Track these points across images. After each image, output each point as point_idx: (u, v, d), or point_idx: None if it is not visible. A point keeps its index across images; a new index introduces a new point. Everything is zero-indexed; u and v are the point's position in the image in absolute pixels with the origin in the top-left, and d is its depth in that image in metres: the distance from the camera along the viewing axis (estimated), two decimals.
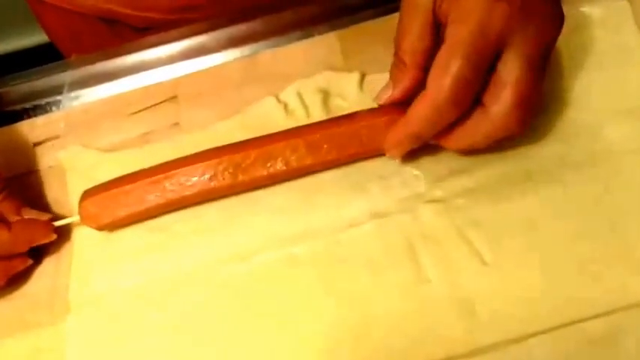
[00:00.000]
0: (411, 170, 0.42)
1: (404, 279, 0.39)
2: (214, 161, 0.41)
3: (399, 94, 0.39)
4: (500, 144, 0.40)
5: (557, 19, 0.37)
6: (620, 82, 0.43)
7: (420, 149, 0.41)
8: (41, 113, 0.49)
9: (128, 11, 0.57)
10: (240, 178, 0.41)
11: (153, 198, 0.41)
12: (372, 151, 0.41)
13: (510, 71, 0.35)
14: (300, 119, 0.44)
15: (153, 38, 0.51)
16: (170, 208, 0.42)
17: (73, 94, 0.50)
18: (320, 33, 0.48)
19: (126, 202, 0.41)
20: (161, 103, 0.48)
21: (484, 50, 0.35)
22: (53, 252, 0.43)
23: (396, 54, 0.39)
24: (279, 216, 0.42)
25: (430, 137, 0.39)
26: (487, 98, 0.36)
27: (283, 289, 0.39)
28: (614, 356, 0.36)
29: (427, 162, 0.42)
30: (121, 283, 0.41)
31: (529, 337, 0.36)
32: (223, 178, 0.41)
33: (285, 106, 0.45)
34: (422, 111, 0.37)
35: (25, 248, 0.41)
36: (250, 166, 0.41)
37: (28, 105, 0.50)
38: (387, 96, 0.40)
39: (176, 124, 0.47)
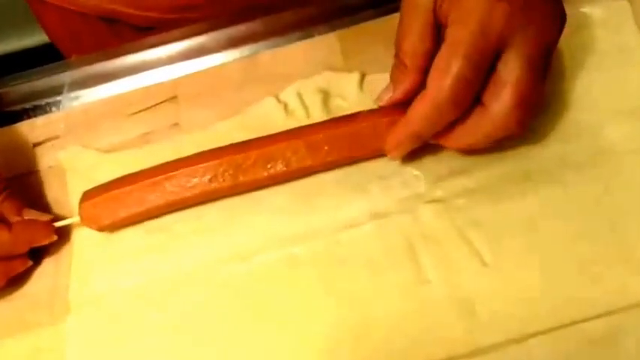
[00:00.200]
0: (412, 170, 0.42)
1: (404, 279, 0.39)
2: (215, 162, 0.41)
3: (399, 96, 0.39)
4: (500, 144, 0.40)
5: (558, 19, 0.37)
6: (621, 83, 0.43)
7: (420, 149, 0.41)
8: (41, 114, 0.49)
9: (130, 11, 0.57)
10: (241, 179, 0.41)
11: (153, 199, 0.41)
12: (372, 152, 0.41)
13: (511, 71, 0.35)
14: (301, 120, 0.44)
15: (153, 39, 0.51)
16: (170, 208, 0.42)
17: (72, 94, 0.50)
18: (320, 33, 0.48)
19: (126, 203, 0.41)
20: (161, 103, 0.48)
21: (485, 50, 0.35)
22: (53, 252, 0.43)
23: (397, 55, 0.39)
24: (280, 216, 0.42)
25: (430, 137, 0.39)
26: (487, 98, 0.36)
27: (283, 290, 0.39)
28: (614, 356, 0.36)
29: (427, 162, 0.42)
30: (121, 283, 0.41)
31: (529, 338, 0.36)
32: (224, 179, 0.41)
33: (285, 106, 0.45)
34: (422, 110, 0.37)
35: (25, 249, 0.41)
36: (251, 167, 0.41)
37: (28, 105, 0.50)
38: (388, 97, 0.40)
39: (176, 124, 0.47)
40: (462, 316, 0.37)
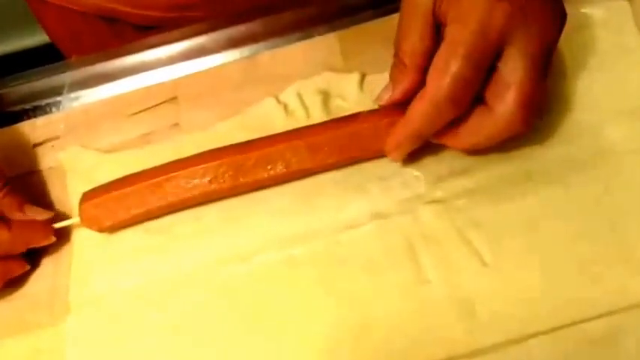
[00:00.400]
0: (412, 171, 0.42)
1: (404, 279, 0.39)
2: (215, 163, 0.41)
3: (399, 95, 0.39)
4: (503, 144, 0.40)
5: (558, 19, 0.37)
6: (621, 83, 0.43)
7: (420, 150, 0.41)
8: (41, 114, 0.49)
9: (129, 9, 0.57)
10: (241, 180, 0.41)
11: (153, 200, 0.41)
12: (373, 153, 0.41)
13: (513, 71, 0.35)
14: (300, 120, 0.44)
15: (153, 39, 0.51)
16: (170, 209, 0.42)
17: (73, 94, 0.50)
18: (320, 34, 0.48)
19: (126, 204, 0.41)
20: (161, 103, 0.48)
21: (485, 50, 0.35)
22: (53, 253, 0.43)
23: (396, 55, 0.39)
24: (280, 217, 0.42)
25: (430, 136, 0.39)
26: (491, 99, 0.36)
27: (283, 290, 0.39)
28: (615, 357, 0.36)
29: (427, 163, 0.42)
30: (121, 283, 0.41)
31: (529, 338, 0.36)
32: (224, 181, 0.41)
33: (285, 106, 0.45)
34: (421, 109, 0.37)
35: (23, 249, 0.41)
36: (251, 169, 0.41)
37: (28, 106, 0.50)
38: (388, 97, 0.39)
39: (176, 124, 0.47)
40: (462, 316, 0.37)
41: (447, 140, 0.39)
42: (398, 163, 0.42)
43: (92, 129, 0.47)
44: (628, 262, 0.38)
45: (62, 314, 0.41)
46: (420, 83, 0.38)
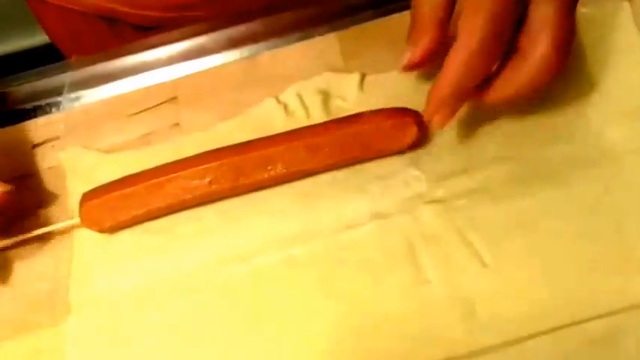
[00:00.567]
0: (412, 171, 0.42)
1: (404, 280, 0.39)
2: (215, 164, 0.41)
3: (420, 54, 0.38)
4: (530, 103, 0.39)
5: None
6: (621, 83, 0.43)
7: (420, 149, 0.41)
8: (41, 114, 0.49)
9: (127, 9, 0.57)
10: (241, 180, 0.41)
11: (154, 201, 0.41)
12: (373, 154, 0.41)
13: (545, 14, 0.35)
14: (301, 120, 0.44)
15: (153, 39, 0.51)
16: (170, 210, 0.42)
17: (73, 95, 0.50)
18: (320, 34, 0.48)
19: (126, 204, 0.41)
20: (161, 104, 0.48)
21: None
22: (53, 253, 0.43)
23: (413, 17, 0.38)
24: (280, 217, 0.42)
25: (470, 90, 0.38)
26: (524, 44, 0.36)
27: (283, 291, 0.39)
28: (615, 357, 0.36)
29: (427, 162, 0.42)
30: (121, 284, 0.41)
31: (529, 338, 0.36)
32: (224, 181, 0.41)
33: (286, 107, 0.45)
34: (458, 59, 0.36)
35: None
36: (251, 169, 0.41)
37: (28, 106, 0.50)
38: (407, 59, 0.38)
39: (176, 124, 0.47)
40: (462, 316, 0.37)
41: (486, 95, 0.38)
42: (398, 163, 0.42)
43: (92, 129, 0.47)
44: (628, 262, 0.38)
45: (62, 314, 0.41)
46: (441, 43, 0.37)
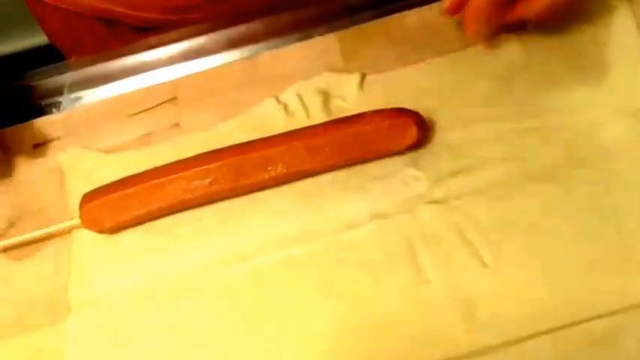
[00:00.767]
0: (412, 171, 0.42)
1: (404, 280, 0.39)
2: (215, 165, 0.41)
3: None
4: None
5: None
6: (621, 83, 0.43)
7: (420, 150, 0.41)
8: (41, 115, 0.49)
9: (125, 11, 0.57)
10: (241, 181, 0.41)
11: (154, 201, 0.41)
12: (373, 154, 0.41)
13: None
14: (301, 120, 0.44)
15: (152, 39, 0.51)
16: (171, 210, 0.42)
17: (73, 95, 0.50)
18: (320, 34, 0.48)
19: (127, 205, 0.41)
20: (161, 104, 0.48)
21: None
22: (53, 253, 0.43)
23: None
24: (280, 217, 0.42)
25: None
26: None
27: (283, 291, 0.39)
28: (615, 357, 0.36)
29: (428, 162, 0.42)
30: (121, 284, 0.41)
31: (529, 338, 0.36)
32: (224, 182, 0.41)
33: (286, 107, 0.45)
34: None
35: None
36: (251, 170, 0.41)
37: (28, 106, 0.50)
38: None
39: (176, 125, 0.47)
40: (462, 316, 0.37)
41: (523, 9, 0.40)
42: (398, 163, 0.42)
43: (92, 129, 0.47)
44: (628, 262, 0.38)
45: (62, 314, 0.41)
46: None
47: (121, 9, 0.57)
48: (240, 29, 0.50)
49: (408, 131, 0.41)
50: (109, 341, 0.40)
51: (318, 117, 0.44)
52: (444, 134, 0.43)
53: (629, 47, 0.44)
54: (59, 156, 0.46)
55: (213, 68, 0.49)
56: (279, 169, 0.41)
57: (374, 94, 0.44)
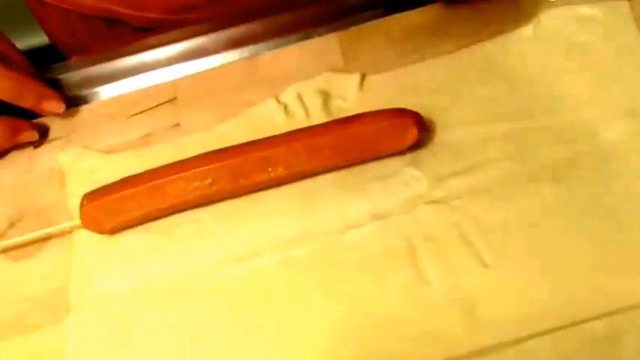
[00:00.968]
0: (412, 171, 0.42)
1: (404, 280, 0.39)
2: (215, 165, 0.41)
3: None
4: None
5: None
6: (621, 83, 0.43)
7: (420, 150, 0.41)
8: (41, 115, 0.49)
9: (126, 10, 0.57)
10: (241, 182, 0.41)
11: (154, 202, 0.41)
12: (373, 154, 0.41)
13: None
14: (301, 121, 0.44)
15: (152, 40, 0.51)
16: (171, 211, 0.42)
17: (73, 95, 0.50)
18: (320, 34, 0.48)
19: (127, 206, 0.41)
20: (161, 104, 0.48)
21: None
22: (53, 253, 0.43)
23: None
24: (279, 218, 0.42)
25: None
26: None
27: (283, 292, 0.39)
28: (615, 357, 0.36)
29: (428, 162, 0.42)
30: (121, 284, 0.41)
31: (529, 338, 0.36)
32: (225, 182, 0.41)
33: (286, 107, 0.45)
34: None
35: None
36: (251, 170, 0.41)
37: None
38: None
39: (176, 125, 0.47)
40: (462, 316, 0.37)
41: None
42: (398, 163, 0.42)
43: (92, 130, 0.47)
44: (628, 262, 0.37)
45: (62, 314, 0.41)
46: None
47: (121, 9, 0.57)
48: (240, 29, 0.50)
49: (408, 131, 0.41)
50: (108, 341, 0.40)
51: (318, 117, 0.44)
52: (444, 134, 0.42)
53: (629, 47, 0.44)
54: (59, 156, 0.46)
55: (213, 68, 0.49)
56: (280, 170, 0.41)
57: (374, 94, 0.44)
